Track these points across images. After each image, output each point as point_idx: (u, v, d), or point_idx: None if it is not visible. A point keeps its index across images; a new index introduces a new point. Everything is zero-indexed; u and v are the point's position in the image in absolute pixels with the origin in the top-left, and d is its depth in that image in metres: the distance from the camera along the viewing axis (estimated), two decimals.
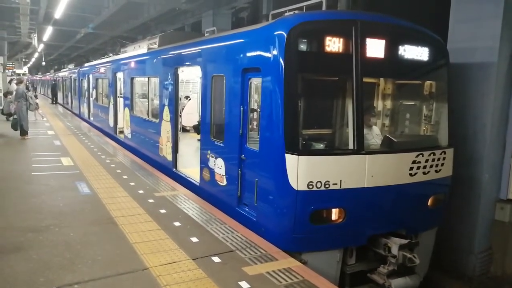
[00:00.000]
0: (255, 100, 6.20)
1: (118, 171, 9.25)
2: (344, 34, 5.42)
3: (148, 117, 11.02)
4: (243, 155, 6.16)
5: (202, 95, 7.75)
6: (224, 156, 6.74)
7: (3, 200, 6.92)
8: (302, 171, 5.16)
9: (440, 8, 8.56)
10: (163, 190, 7.82)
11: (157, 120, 9.90)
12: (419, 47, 6.02)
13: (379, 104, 7.05)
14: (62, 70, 38.14)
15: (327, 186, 5.24)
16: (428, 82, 6.66)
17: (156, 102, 10.30)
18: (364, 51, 5.52)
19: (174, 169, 8.94)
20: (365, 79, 5.82)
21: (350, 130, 5.56)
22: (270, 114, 5.47)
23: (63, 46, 38.16)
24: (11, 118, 15.17)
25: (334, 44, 5.35)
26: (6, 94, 18.75)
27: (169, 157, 9.10)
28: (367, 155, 5.46)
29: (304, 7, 6.12)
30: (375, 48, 5.61)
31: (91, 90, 19.07)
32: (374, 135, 6.38)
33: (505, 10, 6.81)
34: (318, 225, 5.38)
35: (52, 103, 33.50)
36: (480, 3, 7.11)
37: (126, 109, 12.83)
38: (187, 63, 8.63)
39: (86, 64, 23.03)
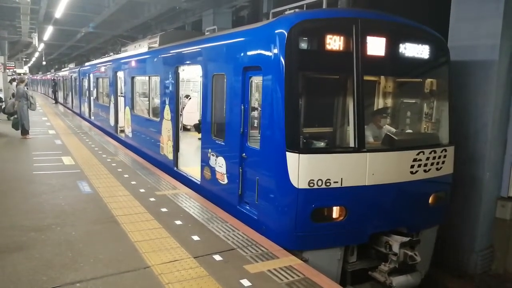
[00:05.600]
0: (255, 98, 6.20)
1: (119, 170, 9.26)
2: (345, 32, 5.41)
3: (149, 116, 11.03)
4: (244, 154, 6.16)
5: (203, 94, 7.75)
6: (225, 155, 6.74)
7: (5, 200, 6.94)
8: (303, 169, 5.17)
9: (440, 6, 8.55)
10: (164, 188, 7.83)
11: (158, 119, 9.91)
12: (420, 45, 6.01)
13: (379, 102, 7.05)
14: (62, 70, 38.16)
15: (328, 184, 5.24)
16: (429, 80, 6.65)
17: (157, 101, 10.31)
18: (365, 49, 5.52)
19: (175, 168, 8.95)
20: (366, 77, 5.81)
21: (351, 128, 5.57)
22: (271, 113, 5.48)
23: (63, 46, 38.14)
24: (12, 118, 15.18)
25: (334, 42, 5.34)
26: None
27: (170, 156, 9.11)
28: (368, 153, 5.46)
29: (305, 5, 6.12)
30: (376, 46, 5.61)
31: (91, 89, 19.08)
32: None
33: (506, 8, 6.81)
34: (319, 223, 5.38)
35: (56, 103, 33.58)
36: (481, 1, 7.10)
37: (127, 108, 12.83)
38: (187, 62, 8.63)
39: (86, 64, 23.03)
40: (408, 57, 5.94)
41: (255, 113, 6.25)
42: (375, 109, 6.88)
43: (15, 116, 14.12)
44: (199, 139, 8.68)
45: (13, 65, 36.37)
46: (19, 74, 38.06)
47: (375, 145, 5.99)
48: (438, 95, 6.60)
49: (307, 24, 5.43)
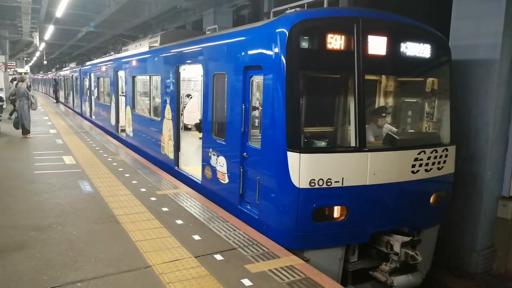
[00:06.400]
0: (256, 98, 6.19)
1: (120, 169, 9.27)
2: (346, 31, 5.40)
3: (150, 115, 11.03)
4: (245, 153, 6.16)
5: (204, 93, 7.75)
6: (226, 154, 6.74)
7: (6, 199, 6.94)
8: (304, 168, 5.16)
9: (441, 5, 8.53)
10: (165, 188, 7.83)
11: (159, 119, 9.91)
12: (421, 44, 6.00)
13: (380, 102, 7.04)
14: (63, 69, 38.19)
15: (329, 183, 5.24)
16: (430, 79, 6.64)
17: (158, 100, 10.31)
18: (366, 48, 5.50)
19: (176, 167, 8.95)
20: (367, 76, 5.81)
21: (351, 128, 5.56)
22: (272, 112, 5.47)
23: (64, 45, 38.12)
24: (12, 117, 15.20)
25: (335, 42, 5.33)
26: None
27: (171, 155, 9.11)
28: (369, 153, 5.45)
29: (306, 4, 6.10)
30: (377, 45, 5.60)
31: (92, 88, 19.08)
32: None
33: (507, 6, 6.79)
34: (320, 223, 5.38)
35: (57, 102, 33.64)
36: (482, 0, 7.08)
37: (128, 107, 12.84)
38: (188, 61, 8.63)
39: (87, 63, 23.03)
40: (409, 56, 5.93)
41: (256, 113, 6.24)
42: (375, 108, 6.87)
43: (16, 115, 14.13)
44: (200, 138, 8.67)
45: (14, 65, 36.41)
46: (20, 73, 38.11)
47: (376, 145, 5.99)
48: (439, 94, 6.58)
49: (308, 23, 5.42)
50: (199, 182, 7.81)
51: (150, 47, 11.52)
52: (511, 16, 6.88)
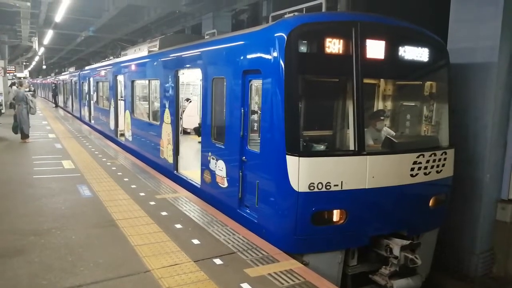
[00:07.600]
0: (255, 102, 6.21)
1: (119, 173, 9.26)
2: (344, 35, 5.42)
3: (149, 119, 11.03)
4: (244, 157, 6.16)
5: (203, 97, 7.76)
6: (225, 158, 6.74)
7: (5, 203, 6.93)
8: (303, 172, 5.17)
9: (439, 9, 8.57)
10: (164, 192, 7.83)
11: (158, 123, 9.91)
12: (419, 47, 6.02)
13: (379, 105, 7.05)
14: (62, 73, 38.22)
15: (328, 187, 5.24)
16: (428, 83, 6.66)
17: (157, 104, 10.32)
18: (364, 52, 5.52)
19: (175, 171, 8.94)
20: (366, 80, 5.82)
21: (350, 131, 5.57)
22: (271, 116, 5.48)
23: (63, 50, 38.22)
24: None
25: (334, 46, 5.35)
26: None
27: (170, 160, 9.11)
28: (368, 156, 5.46)
29: (304, 8, 6.13)
30: (375, 49, 5.62)
31: (91, 93, 19.10)
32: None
33: (505, 9, 6.82)
34: (319, 227, 5.38)
35: (56, 106, 33.64)
36: (480, 3, 7.11)
37: (127, 111, 12.85)
38: (187, 66, 8.65)
39: (86, 67, 23.07)
40: (408, 60, 5.95)
41: (255, 116, 6.25)
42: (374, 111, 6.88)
43: (15, 120, 14.12)
44: (199, 142, 8.67)
45: (13, 69, 36.41)
46: (19, 78, 38.11)
47: (375, 148, 6.00)
48: (438, 98, 6.60)
49: (306, 28, 5.44)
50: (198, 186, 7.80)
51: (149, 51, 11.54)
52: (509, 19, 6.91)
